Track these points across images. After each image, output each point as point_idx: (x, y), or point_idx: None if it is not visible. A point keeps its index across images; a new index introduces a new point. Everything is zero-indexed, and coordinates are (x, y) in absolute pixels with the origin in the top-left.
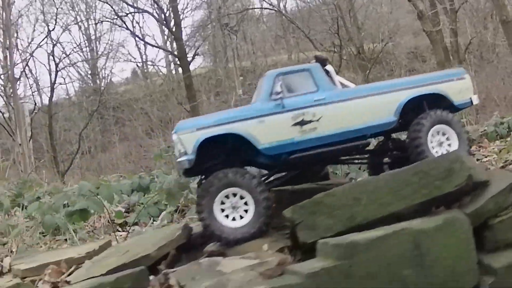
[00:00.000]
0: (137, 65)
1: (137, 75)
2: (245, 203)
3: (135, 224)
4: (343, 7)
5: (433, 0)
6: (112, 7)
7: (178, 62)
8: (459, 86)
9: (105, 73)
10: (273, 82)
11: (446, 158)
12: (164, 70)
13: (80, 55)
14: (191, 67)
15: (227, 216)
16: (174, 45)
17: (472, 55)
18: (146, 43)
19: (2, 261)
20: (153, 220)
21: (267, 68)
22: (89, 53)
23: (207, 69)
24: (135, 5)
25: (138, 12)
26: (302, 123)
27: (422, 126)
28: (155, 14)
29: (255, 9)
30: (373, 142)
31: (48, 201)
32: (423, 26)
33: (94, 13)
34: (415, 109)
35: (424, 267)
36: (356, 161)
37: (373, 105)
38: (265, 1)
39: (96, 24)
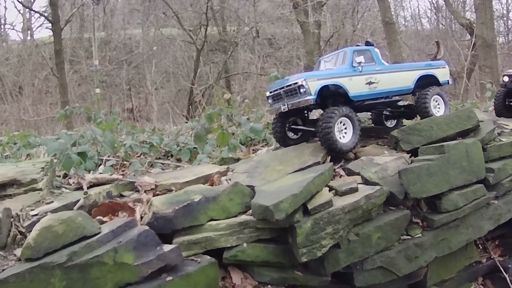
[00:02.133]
0: None
1: None
2: (345, 129)
3: (179, 160)
4: None
5: None
6: None
7: (51, 27)
8: (443, 71)
9: None
10: (353, 55)
11: (467, 110)
12: (20, 35)
13: None
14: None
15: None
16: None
17: (332, 47)
18: (24, 6)
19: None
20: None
21: (123, 40)
22: None
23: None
24: None
25: None
26: (370, 83)
27: (428, 95)
28: None
29: None
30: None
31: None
32: (297, 16)
33: None
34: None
35: (470, 161)
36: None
37: (403, 77)
38: None
39: None
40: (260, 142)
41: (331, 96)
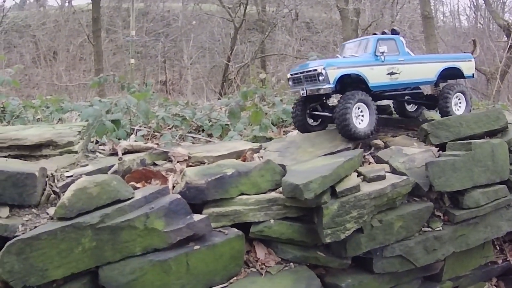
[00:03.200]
0: None
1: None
2: (362, 115)
3: (210, 135)
4: None
5: None
6: None
7: None
8: (468, 65)
9: None
10: (377, 44)
11: (497, 111)
12: (58, 1)
13: None
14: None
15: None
16: None
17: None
18: None
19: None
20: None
21: (161, 12)
22: None
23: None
24: None
25: None
26: (391, 73)
27: (450, 93)
28: None
29: None
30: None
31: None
32: (337, 2)
33: None
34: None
35: (494, 161)
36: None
37: (426, 68)
38: None
39: None
40: (291, 124)
41: (351, 84)
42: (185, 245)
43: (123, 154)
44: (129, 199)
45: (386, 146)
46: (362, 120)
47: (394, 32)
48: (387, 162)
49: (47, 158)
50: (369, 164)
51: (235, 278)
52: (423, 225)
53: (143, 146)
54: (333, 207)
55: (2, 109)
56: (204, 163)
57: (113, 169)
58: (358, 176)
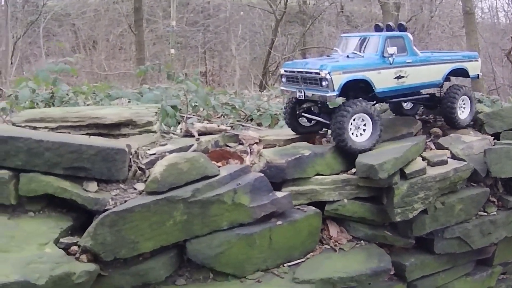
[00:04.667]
0: None
1: None
2: (364, 127)
3: (259, 124)
4: None
5: None
6: None
7: None
8: (474, 65)
9: None
10: (385, 43)
11: None
12: None
13: None
14: None
15: (351, 131)
16: None
17: (408, 31)
18: None
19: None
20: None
21: (201, 3)
22: None
23: None
24: None
25: None
26: (398, 77)
27: (457, 95)
28: None
29: None
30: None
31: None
32: None
33: None
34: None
35: None
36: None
37: (434, 70)
38: None
39: None
40: None
41: (354, 88)
42: (267, 220)
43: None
44: (215, 175)
45: (444, 134)
46: (362, 133)
47: (401, 27)
48: (447, 149)
49: (126, 137)
50: (430, 150)
51: (311, 253)
52: (479, 209)
53: (216, 128)
54: (403, 188)
55: (51, 94)
56: (275, 145)
57: (192, 148)
58: (423, 160)
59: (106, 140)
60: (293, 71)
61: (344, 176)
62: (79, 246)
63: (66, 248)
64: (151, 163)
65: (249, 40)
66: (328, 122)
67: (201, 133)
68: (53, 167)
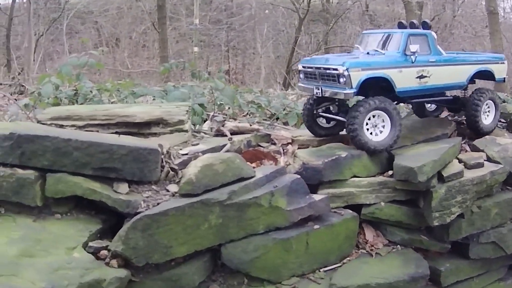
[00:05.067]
0: None
1: None
2: (382, 125)
3: (285, 124)
4: None
5: None
6: None
7: None
8: (501, 67)
9: None
10: (407, 41)
11: None
12: None
13: None
14: None
15: (367, 129)
16: None
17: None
18: None
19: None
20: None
21: (224, 1)
22: None
23: None
24: None
25: None
26: (421, 77)
27: (481, 98)
28: None
29: None
30: None
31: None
32: None
33: None
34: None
35: None
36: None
37: (459, 71)
38: None
39: None
40: None
41: (374, 86)
42: (304, 224)
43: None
44: (251, 177)
45: (477, 136)
46: (381, 132)
47: (425, 25)
48: (482, 151)
49: (156, 136)
50: (465, 152)
51: (347, 258)
52: None
53: (248, 128)
54: (441, 191)
55: (75, 91)
56: (308, 146)
57: (225, 148)
58: (459, 163)
59: (137, 140)
60: (311, 67)
61: (380, 178)
62: (109, 250)
63: (95, 253)
64: (184, 164)
65: (273, 38)
66: (345, 120)
67: (233, 133)
68: (82, 167)
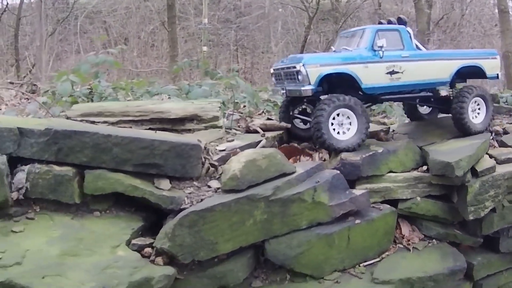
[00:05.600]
0: None
1: None
2: (349, 123)
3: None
4: None
5: None
6: None
7: None
8: (492, 63)
9: None
10: (375, 36)
11: None
12: None
13: None
14: None
15: (333, 129)
16: None
17: (440, 30)
18: None
19: None
20: None
21: (232, 1)
22: None
23: None
24: None
25: None
26: (392, 72)
27: (468, 94)
28: None
29: None
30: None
31: None
32: None
33: None
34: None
35: None
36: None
37: (439, 67)
38: None
39: None
40: (379, 113)
41: (341, 84)
42: (344, 219)
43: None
44: (292, 172)
45: (506, 132)
46: (348, 129)
47: (400, 21)
48: (510, 146)
49: (191, 132)
50: (494, 147)
51: (386, 253)
52: None
53: (277, 125)
54: (476, 185)
55: (89, 90)
56: None
57: (261, 144)
58: (490, 158)
59: (176, 136)
60: (278, 69)
61: (416, 173)
62: (153, 247)
63: (139, 250)
64: (222, 160)
65: (282, 37)
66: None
67: (263, 130)
68: (122, 163)
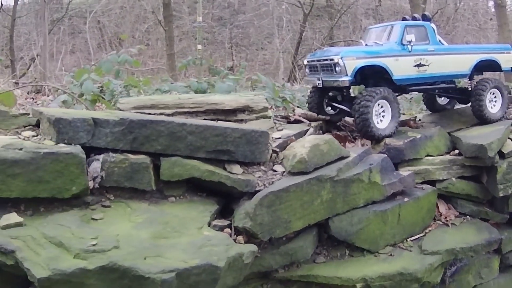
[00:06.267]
0: None
1: None
2: (383, 114)
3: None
4: None
5: None
6: None
7: None
8: (507, 57)
9: None
10: (404, 32)
11: None
12: None
13: None
14: None
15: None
16: None
17: (435, 24)
18: None
19: None
20: None
21: None
22: None
23: None
24: None
25: None
26: (419, 65)
27: (485, 86)
28: None
29: None
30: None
31: None
32: None
33: None
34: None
35: None
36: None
37: (460, 60)
38: None
39: None
40: None
41: (373, 76)
42: (394, 198)
43: (293, 121)
44: (347, 156)
45: None
46: (382, 119)
47: (425, 17)
48: None
49: (243, 122)
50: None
51: (429, 228)
52: None
53: (316, 116)
54: (504, 166)
55: (100, 88)
56: None
57: (309, 132)
58: None
59: (236, 125)
60: (313, 61)
61: (450, 156)
62: (231, 228)
63: (219, 231)
64: (280, 146)
65: (278, 34)
66: (349, 110)
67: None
68: (196, 151)
